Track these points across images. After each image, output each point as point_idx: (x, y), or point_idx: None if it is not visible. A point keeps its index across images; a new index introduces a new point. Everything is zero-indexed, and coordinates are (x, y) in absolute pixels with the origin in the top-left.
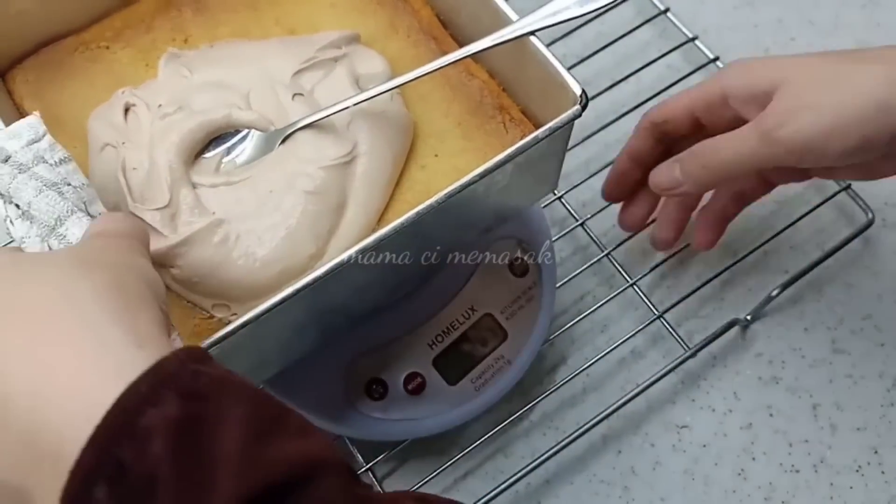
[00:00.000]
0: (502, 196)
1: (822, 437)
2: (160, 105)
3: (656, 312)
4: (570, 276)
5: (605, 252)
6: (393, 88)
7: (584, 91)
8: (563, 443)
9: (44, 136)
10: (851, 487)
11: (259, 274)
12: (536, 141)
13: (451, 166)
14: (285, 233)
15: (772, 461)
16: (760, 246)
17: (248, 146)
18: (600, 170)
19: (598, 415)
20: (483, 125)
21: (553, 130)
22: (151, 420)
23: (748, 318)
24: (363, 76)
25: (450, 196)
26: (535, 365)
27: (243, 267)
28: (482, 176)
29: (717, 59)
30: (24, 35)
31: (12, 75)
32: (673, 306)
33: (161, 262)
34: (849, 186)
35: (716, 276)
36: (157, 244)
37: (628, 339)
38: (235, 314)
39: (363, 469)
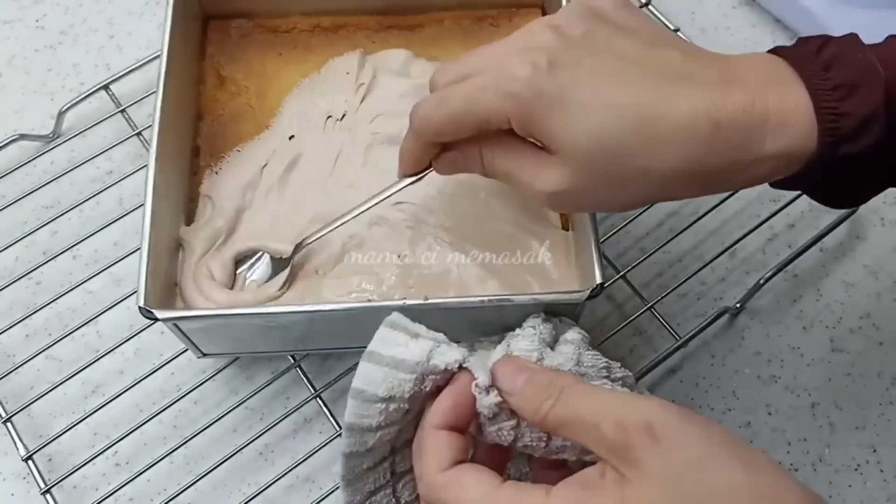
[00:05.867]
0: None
1: (820, 435)
2: None
3: (646, 303)
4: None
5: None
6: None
7: (601, 284)
8: None
9: None
10: (850, 486)
11: None
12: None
13: None
14: None
15: None
16: (746, 235)
17: (260, 267)
18: None
19: None
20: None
21: (558, 304)
22: None
23: (738, 305)
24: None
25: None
26: None
27: None
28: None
29: None
30: None
31: None
32: (662, 297)
33: None
34: None
35: (706, 266)
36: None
37: (620, 329)
38: None
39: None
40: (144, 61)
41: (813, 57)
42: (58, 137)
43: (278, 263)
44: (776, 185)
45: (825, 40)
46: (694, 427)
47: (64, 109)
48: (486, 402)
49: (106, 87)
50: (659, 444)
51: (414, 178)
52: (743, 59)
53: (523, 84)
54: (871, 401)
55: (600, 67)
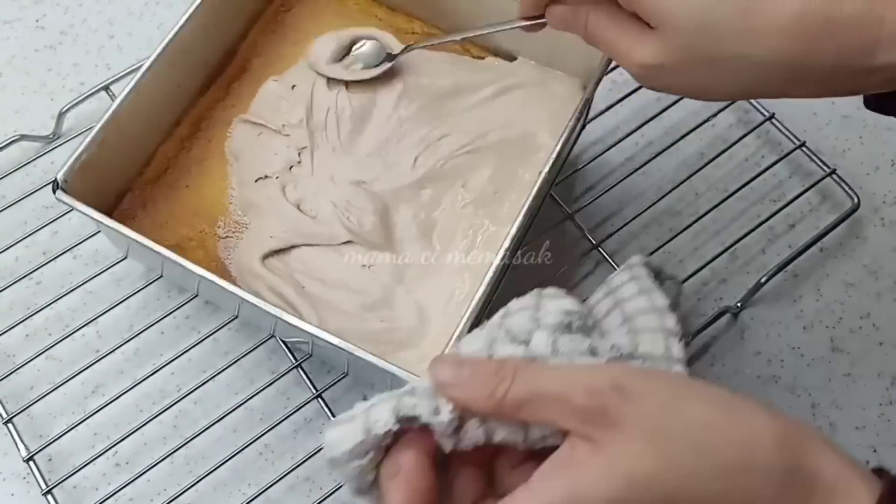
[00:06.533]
0: None
1: None
2: None
3: None
4: (562, 269)
5: (595, 244)
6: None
7: None
8: None
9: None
10: None
11: None
12: None
13: None
14: None
15: None
16: (748, 234)
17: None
18: (580, 156)
19: None
20: None
21: None
22: None
23: (738, 305)
24: None
25: None
26: None
27: None
28: None
29: None
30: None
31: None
32: None
33: None
34: (833, 172)
35: (705, 266)
36: None
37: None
38: None
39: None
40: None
41: None
42: (58, 138)
43: (384, 55)
44: (878, 107)
45: None
46: (658, 378)
47: (64, 110)
48: (439, 420)
49: (106, 88)
50: (631, 401)
51: (528, 23)
52: None
53: None
54: (871, 401)
55: None
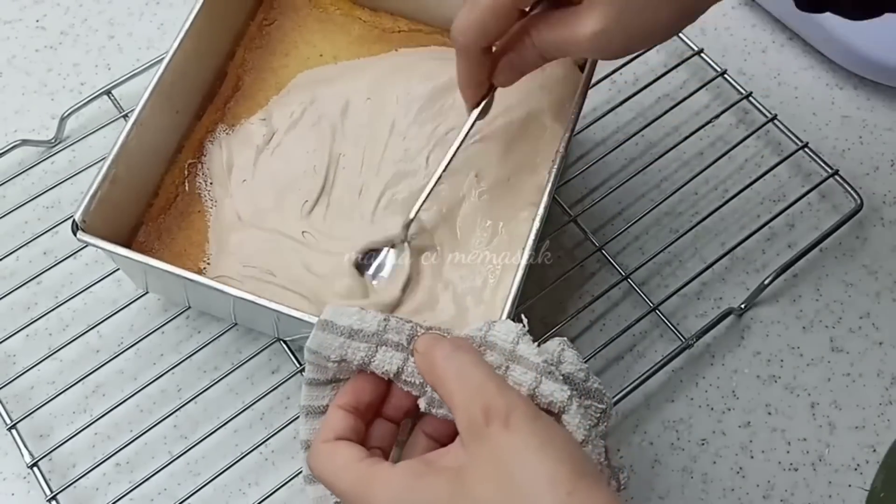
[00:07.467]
0: None
1: (820, 435)
2: None
3: (651, 305)
4: (566, 273)
5: (599, 247)
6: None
7: None
8: None
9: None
10: (850, 486)
11: None
12: None
13: None
14: None
15: (770, 459)
16: (750, 236)
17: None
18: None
19: None
20: None
21: None
22: None
23: (742, 306)
24: None
25: None
26: None
27: None
28: None
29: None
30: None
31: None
32: (667, 299)
33: None
34: (836, 172)
35: (707, 268)
36: None
37: (624, 332)
38: None
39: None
40: (147, 64)
41: None
42: (59, 143)
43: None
44: (808, 4)
45: None
46: (543, 422)
47: (66, 114)
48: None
49: (108, 92)
50: (509, 430)
51: (481, 106)
52: None
53: None
54: (870, 401)
55: None
